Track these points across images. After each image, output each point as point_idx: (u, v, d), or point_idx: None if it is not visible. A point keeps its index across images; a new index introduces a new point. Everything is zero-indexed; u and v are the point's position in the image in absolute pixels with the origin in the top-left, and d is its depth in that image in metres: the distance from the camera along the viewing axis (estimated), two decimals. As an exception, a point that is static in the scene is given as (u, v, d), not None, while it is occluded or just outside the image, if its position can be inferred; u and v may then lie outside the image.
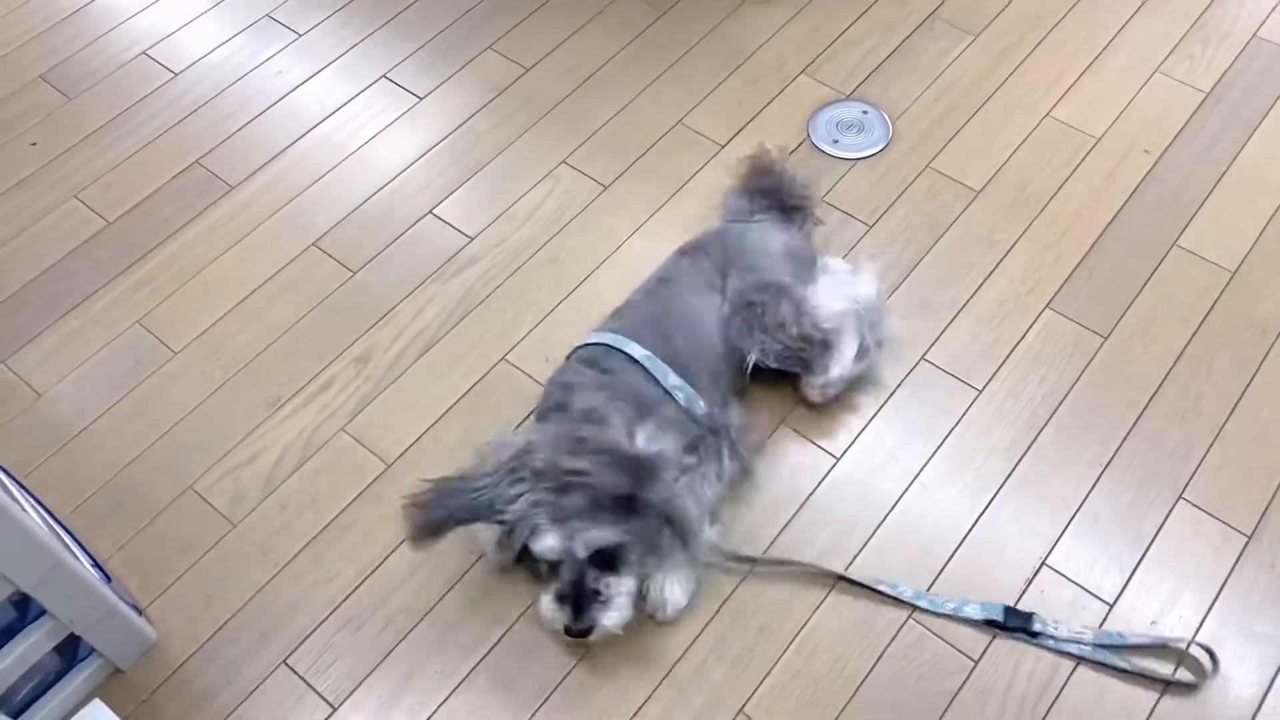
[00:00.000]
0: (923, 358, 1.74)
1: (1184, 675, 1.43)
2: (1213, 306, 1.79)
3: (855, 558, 1.54)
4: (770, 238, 1.72)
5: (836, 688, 1.44)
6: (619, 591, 1.38)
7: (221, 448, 1.68)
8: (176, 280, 1.88)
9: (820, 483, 1.62)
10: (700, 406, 1.54)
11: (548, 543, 1.36)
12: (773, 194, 1.81)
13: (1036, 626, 1.46)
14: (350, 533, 1.60)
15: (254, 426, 1.70)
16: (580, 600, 1.37)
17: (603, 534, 1.35)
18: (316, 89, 2.16)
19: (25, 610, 1.34)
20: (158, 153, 2.07)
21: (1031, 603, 1.50)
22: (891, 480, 1.62)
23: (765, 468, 1.62)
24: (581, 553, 1.36)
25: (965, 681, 1.44)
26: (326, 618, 1.52)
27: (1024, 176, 1.97)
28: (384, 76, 2.18)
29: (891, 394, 1.71)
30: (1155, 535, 1.56)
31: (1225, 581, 1.51)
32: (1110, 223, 1.90)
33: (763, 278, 1.63)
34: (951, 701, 1.43)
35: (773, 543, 1.56)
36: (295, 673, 1.48)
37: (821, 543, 1.56)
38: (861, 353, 1.65)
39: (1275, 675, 1.44)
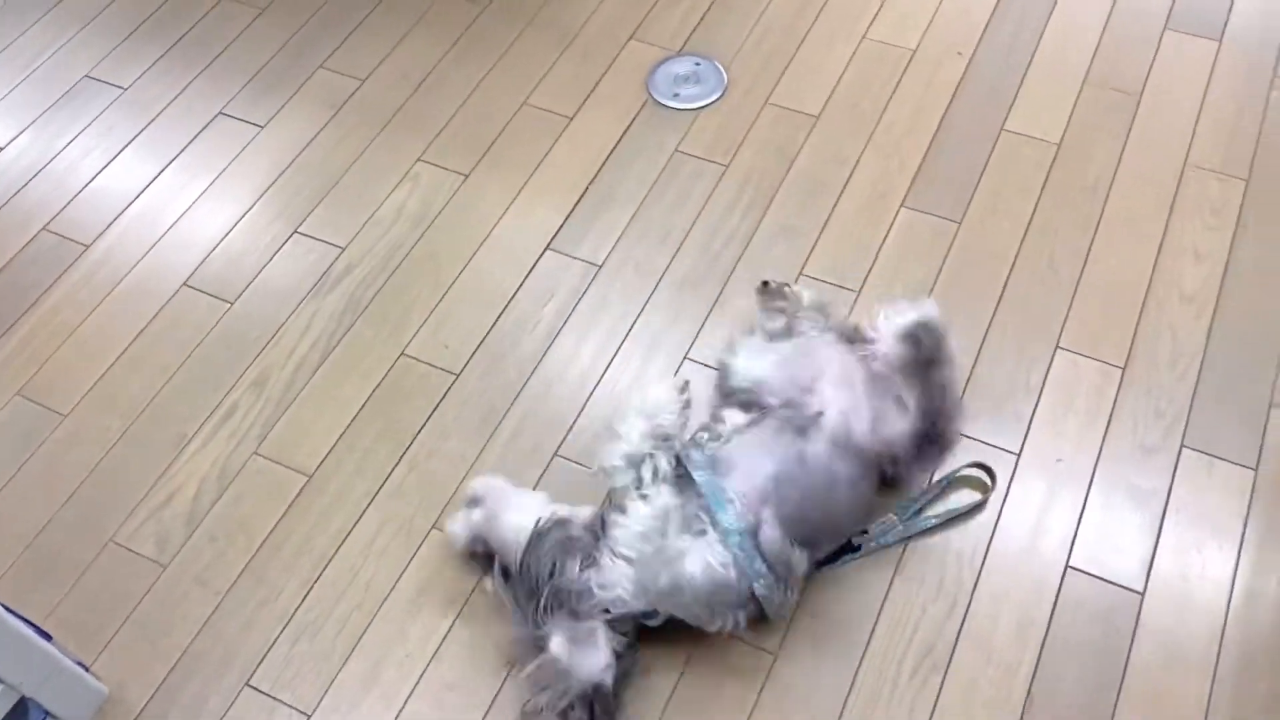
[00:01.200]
0: (801, 273, 1.83)
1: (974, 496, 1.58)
2: (1047, 177, 1.94)
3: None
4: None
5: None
6: None
7: (135, 495, 1.64)
8: (50, 345, 1.83)
9: (732, 405, 1.68)
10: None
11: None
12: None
13: (856, 541, 1.51)
14: (285, 548, 1.58)
15: (165, 468, 1.67)
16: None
17: None
18: (154, 137, 2.13)
19: (-36, 692, 1.30)
20: (-1, 227, 2.01)
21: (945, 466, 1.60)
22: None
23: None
24: None
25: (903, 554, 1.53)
26: (281, 632, 1.50)
27: (855, 95, 2.08)
28: (221, 113, 2.16)
29: (779, 312, 1.79)
30: (1043, 385, 1.68)
31: (1113, 408, 1.64)
32: (941, 121, 2.03)
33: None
34: (893, 575, 1.51)
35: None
36: (261, 691, 1.46)
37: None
38: None
39: (1172, 479, 1.58)
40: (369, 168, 2.04)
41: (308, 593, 1.54)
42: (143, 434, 1.71)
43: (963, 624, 1.47)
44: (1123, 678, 1.42)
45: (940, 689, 1.42)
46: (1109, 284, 1.79)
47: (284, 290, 1.87)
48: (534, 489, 1.60)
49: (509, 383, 1.74)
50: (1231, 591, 1.49)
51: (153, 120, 2.16)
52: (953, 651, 1.45)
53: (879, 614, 1.48)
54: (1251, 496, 1.56)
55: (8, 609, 1.34)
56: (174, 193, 2.03)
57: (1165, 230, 1.86)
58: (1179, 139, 1.98)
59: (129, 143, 2.12)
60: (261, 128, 2.13)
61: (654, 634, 1.42)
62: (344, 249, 1.92)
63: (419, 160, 2.04)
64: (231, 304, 1.87)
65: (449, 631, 1.49)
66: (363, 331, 1.81)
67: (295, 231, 1.96)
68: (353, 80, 2.19)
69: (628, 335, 1.78)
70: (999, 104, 2.05)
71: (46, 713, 1.38)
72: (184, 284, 1.90)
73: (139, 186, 2.04)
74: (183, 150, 2.10)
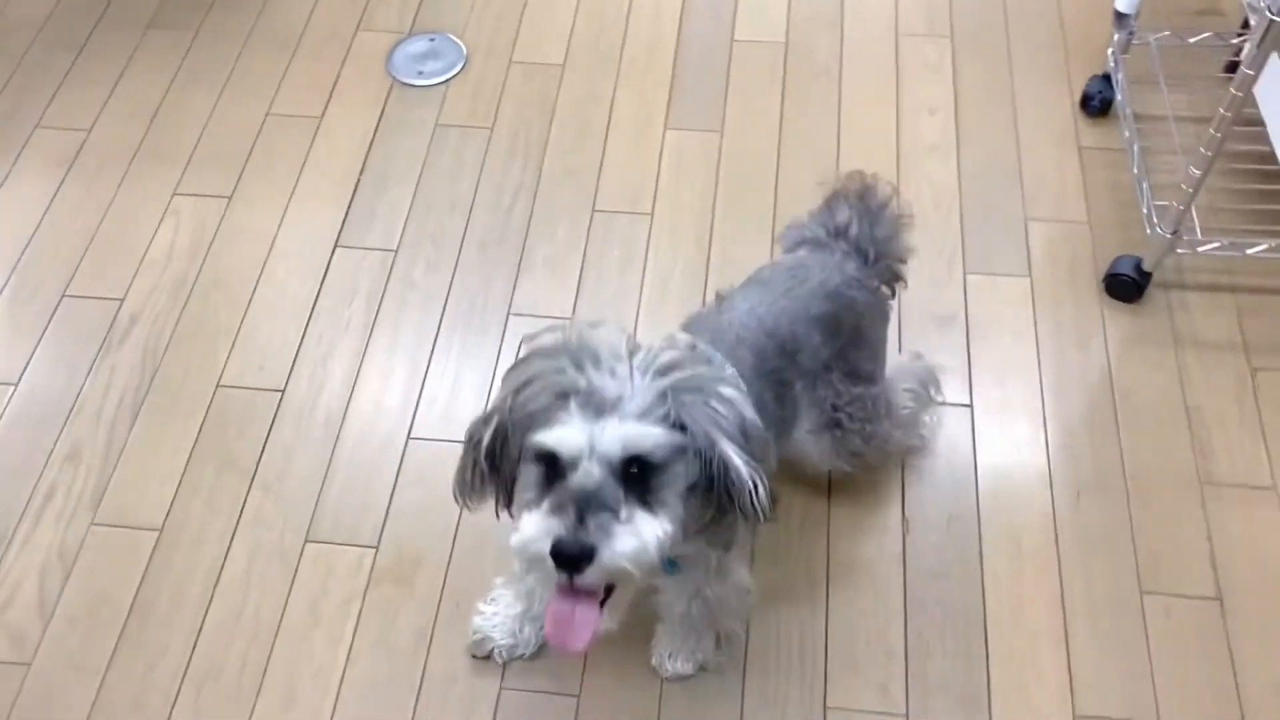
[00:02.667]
0: (594, 209, 1.89)
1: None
2: (784, 73, 2.08)
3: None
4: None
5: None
6: (644, 526, 0.97)
7: (-30, 605, 1.52)
8: None
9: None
10: None
11: (567, 433, 0.96)
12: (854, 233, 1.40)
13: None
14: (158, 607, 1.50)
15: (-6, 569, 1.55)
16: (585, 511, 0.95)
17: (650, 433, 0.96)
18: None
19: None
20: None
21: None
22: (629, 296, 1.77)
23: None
24: (618, 450, 0.96)
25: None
26: (180, 688, 1.43)
27: (593, 36, 2.16)
28: (-63, 197, 1.99)
29: (584, 252, 1.84)
30: (836, 253, 1.81)
31: (901, 258, 1.80)
32: (678, 44, 2.14)
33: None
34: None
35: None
36: (177, 750, 1.39)
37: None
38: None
39: (965, 304, 1.75)
40: (124, 214, 1.94)
41: (196, 642, 1.47)
42: (-41, 540, 1.58)
43: (829, 486, 1.58)
44: (976, 485, 1.57)
45: (828, 538, 1.53)
46: (863, 152, 1.95)
47: (70, 357, 1.76)
48: (393, 485, 1.60)
49: (339, 385, 1.71)
50: (1041, 385, 1.67)
51: None
52: (829, 511, 1.56)
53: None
54: (1034, 299, 1.75)
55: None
56: (-89, 289, 1.86)
57: (898, 95, 2.03)
58: (886, 14, 2.17)
59: None
60: (-10, 202, 1.98)
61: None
62: (124, 299, 1.83)
63: (175, 194, 1.96)
64: (15, 385, 1.74)
65: (355, 632, 1.47)
66: (170, 375, 1.73)
67: (64, 295, 1.84)
68: (78, 132, 2.07)
69: (445, 306, 1.79)
70: (723, 18, 2.18)
71: (-52, 845, 1.27)
72: (-46, 379, 1.75)
73: None
74: (-94, 244, 1.93)
